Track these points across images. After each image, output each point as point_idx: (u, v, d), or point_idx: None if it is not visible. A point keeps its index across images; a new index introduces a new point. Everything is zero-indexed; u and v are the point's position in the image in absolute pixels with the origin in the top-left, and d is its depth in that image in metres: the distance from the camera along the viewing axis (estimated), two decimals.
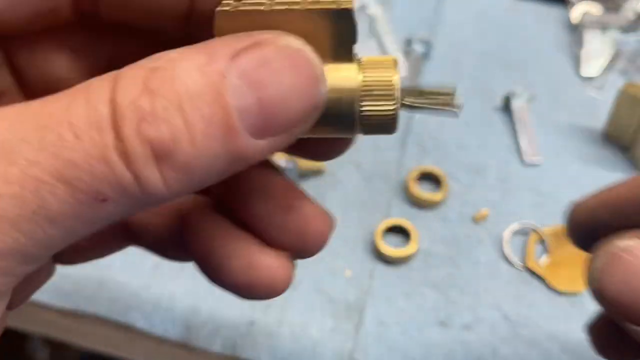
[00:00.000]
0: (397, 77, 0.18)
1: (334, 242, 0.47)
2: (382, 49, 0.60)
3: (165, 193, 0.15)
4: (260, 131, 0.15)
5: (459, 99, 0.18)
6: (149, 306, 0.43)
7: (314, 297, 0.43)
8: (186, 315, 0.42)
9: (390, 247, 0.45)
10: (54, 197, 0.14)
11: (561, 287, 0.43)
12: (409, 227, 0.45)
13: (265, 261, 0.20)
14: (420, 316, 0.42)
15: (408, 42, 0.59)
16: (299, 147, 0.19)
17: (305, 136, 0.18)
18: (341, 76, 0.18)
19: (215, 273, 0.20)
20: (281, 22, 0.17)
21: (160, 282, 0.43)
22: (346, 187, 0.49)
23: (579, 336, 0.42)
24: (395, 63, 0.18)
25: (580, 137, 0.53)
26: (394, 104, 0.18)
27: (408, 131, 0.53)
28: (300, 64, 0.16)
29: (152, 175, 0.15)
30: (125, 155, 0.14)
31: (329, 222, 0.20)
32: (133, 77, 0.15)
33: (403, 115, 0.19)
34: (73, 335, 0.43)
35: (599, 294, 0.19)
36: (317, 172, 0.50)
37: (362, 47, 0.60)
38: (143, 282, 0.43)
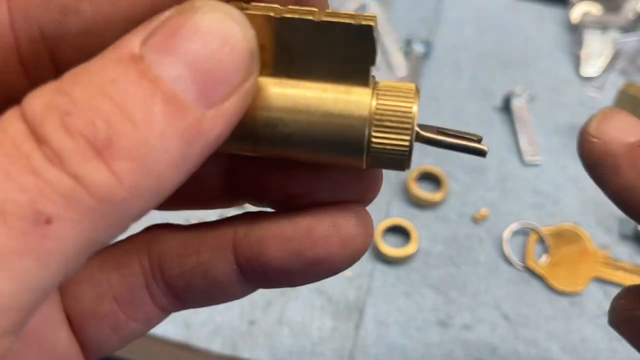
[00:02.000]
0: (416, 108, 0.16)
1: None
2: (382, 49, 0.60)
3: (122, 192, 0.13)
4: (205, 98, 0.14)
5: (484, 144, 0.17)
6: None
7: (314, 297, 0.43)
8: (186, 315, 0.42)
9: (390, 247, 0.45)
10: None
11: (561, 287, 0.43)
12: (409, 227, 0.45)
13: (348, 214, 0.18)
14: (420, 316, 0.42)
15: (408, 42, 0.60)
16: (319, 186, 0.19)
17: (312, 160, 0.17)
18: (352, 100, 0.16)
19: (305, 250, 0.18)
20: (289, 31, 0.15)
21: None
22: None
23: (579, 336, 0.42)
24: (416, 91, 0.16)
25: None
26: (408, 138, 0.16)
27: None
28: (212, 17, 0.14)
29: (97, 171, 0.12)
30: (55, 156, 0.12)
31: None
32: (40, 91, 0.13)
33: None
34: None
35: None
36: None
37: None
38: None
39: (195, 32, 0.14)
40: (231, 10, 0.14)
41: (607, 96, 0.55)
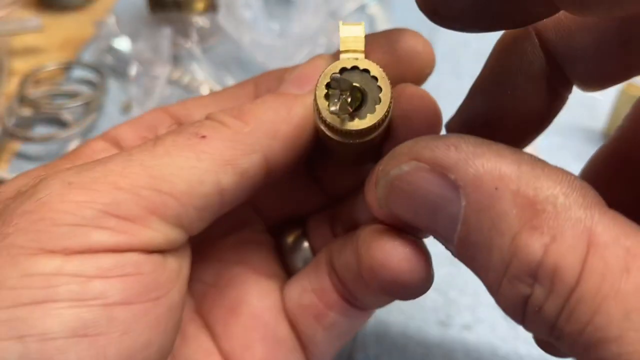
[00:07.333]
0: None
1: None
2: None
3: (246, 128, 0.23)
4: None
5: None
6: None
7: None
8: None
9: None
10: None
11: None
12: None
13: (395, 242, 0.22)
14: (420, 316, 0.42)
15: None
16: None
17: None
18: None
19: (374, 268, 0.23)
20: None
21: None
22: None
23: None
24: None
25: (580, 137, 0.53)
26: None
27: None
28: None
29: (225, 117, 0.23)
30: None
31: None
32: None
33: None
34: None
35: (391, 217, 0.22)
36: None
37: None
38: None
39: None
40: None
41: (607, 96, 0.55)
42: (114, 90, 0.56)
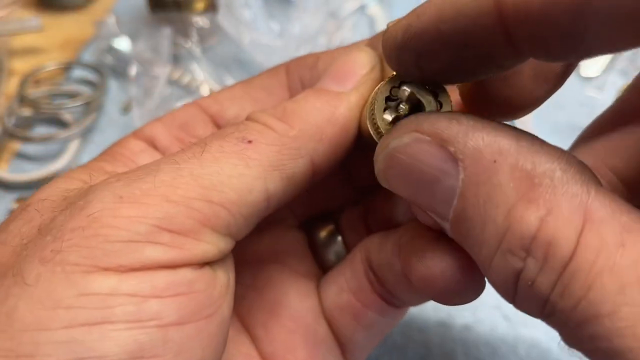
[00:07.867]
0: None
1: None
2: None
3: (292, 131, 0.22)
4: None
5: None
6: None
7: None
8: None
9: None
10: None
11: None
12: None
13: (441, 249, 0.21)
14: (420, 316, 0.42)
15: None
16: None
17: None
18: None
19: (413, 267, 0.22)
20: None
21: None
22: None
23: None
24: None
25: None
26: None
27: None
28: None
29: (270, 119, 0.22)
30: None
31: None
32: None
33: None
34: None
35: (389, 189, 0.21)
36: None
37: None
38: None
39: None
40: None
41: (607, 96, 0.55)
42: (114, 90, 0.56)
